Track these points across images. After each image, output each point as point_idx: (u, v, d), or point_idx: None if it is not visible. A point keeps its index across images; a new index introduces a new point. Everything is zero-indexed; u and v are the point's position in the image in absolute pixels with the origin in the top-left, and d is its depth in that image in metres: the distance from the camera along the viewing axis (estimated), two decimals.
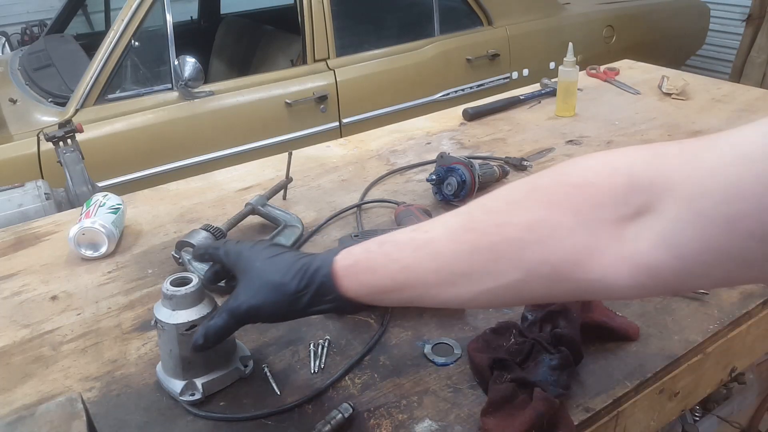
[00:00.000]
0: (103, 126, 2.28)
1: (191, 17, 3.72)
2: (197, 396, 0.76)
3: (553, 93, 1.78)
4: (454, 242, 0.57)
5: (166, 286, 0.74)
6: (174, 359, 0.75)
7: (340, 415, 0.72)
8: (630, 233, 0.48)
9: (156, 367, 0.81)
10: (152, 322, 0.75)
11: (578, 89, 1.71)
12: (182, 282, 0.75)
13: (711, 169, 0.43)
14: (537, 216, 0.53)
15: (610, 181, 0.50)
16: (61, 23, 3.17)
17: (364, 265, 0.63)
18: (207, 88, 2.49)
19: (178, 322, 0.73)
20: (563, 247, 0.51)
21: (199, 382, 0.76)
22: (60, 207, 1.45)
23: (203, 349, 0.70)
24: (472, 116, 1.69)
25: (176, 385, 0.76)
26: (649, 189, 0.47)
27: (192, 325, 0.73)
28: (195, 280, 0.75)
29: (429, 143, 1.56)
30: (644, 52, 2.89)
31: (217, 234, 1.06)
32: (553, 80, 1.82)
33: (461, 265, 0.56)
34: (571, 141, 1.53)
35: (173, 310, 0.73)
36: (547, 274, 0.52)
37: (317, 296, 0.65)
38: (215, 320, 0.68)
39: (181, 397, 0.76)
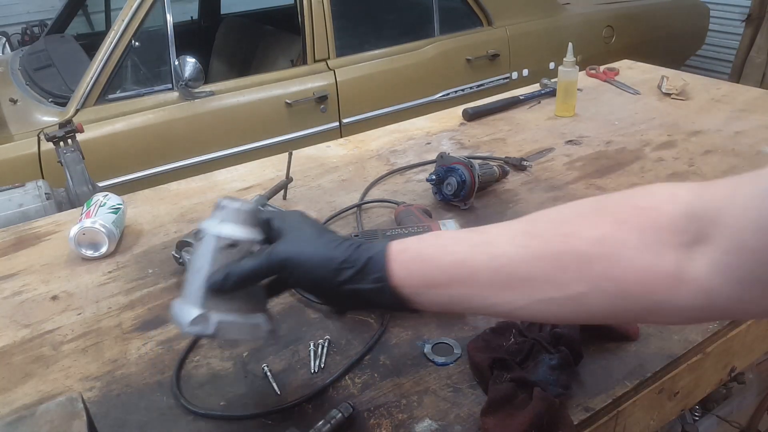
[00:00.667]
0: (104, 126, 2.28)
1: (191, 17, 3.72)
2: (207, 332, 0.66)
3: (552, 93, 1.78)
4: (517, 246, 0.56)
5: (223, 201, 0.68)
6: (200, 279, 0.67)
7: (340, 414, 0.72)
8: (689, 258, 0.50)
9: (172, 302, 0.71)
10: (192, 233, 0.69)
11: (578, 89, 1.72)
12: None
13: (746, 202, 0.46)
14: (604, 232, 0.53)
15: (671, 207, 0.52)
16: (61, 23, 3.17)
17: (415, 252, 0.61)
18: (207, 88, 2.49)
19: (221, 234, 0.66)
20: (629, 265, 0.52)
21: (214, 318, 0.66)
22: (60, 207, 1.45)
23: (220, 287, 0.65)
24: (471, 116, 1.69)
25: (190, 313, 0.66)
26: (702, 219, 0.49)
27: (233, 243, 0.67)
28: (252, 205, 0.69)
29: (429, 143, 1.56)
30: (644, 52, 2.89)
31: None
32: (552, 80, 1.82)
33: (522, 269, 0.56)
34: (570, 141, 1.53)
35: (221, 221, 0.67)
36: (611, 290, 0.53)
37: (361, 273, 0.62)
38: (245, 261, 0.65)
39: (190, 326, 0.66)
